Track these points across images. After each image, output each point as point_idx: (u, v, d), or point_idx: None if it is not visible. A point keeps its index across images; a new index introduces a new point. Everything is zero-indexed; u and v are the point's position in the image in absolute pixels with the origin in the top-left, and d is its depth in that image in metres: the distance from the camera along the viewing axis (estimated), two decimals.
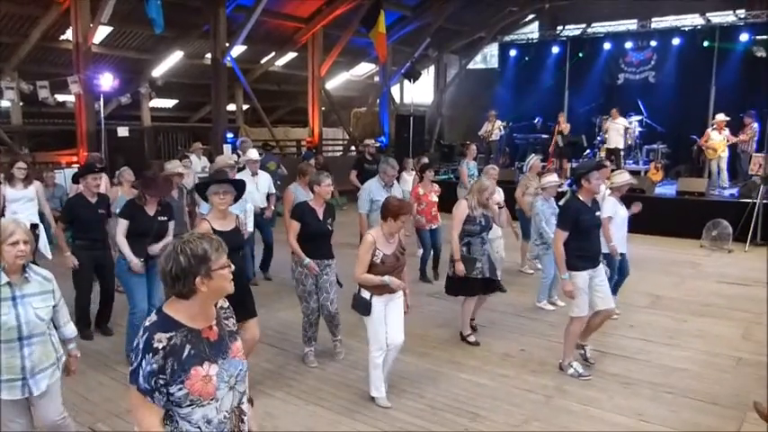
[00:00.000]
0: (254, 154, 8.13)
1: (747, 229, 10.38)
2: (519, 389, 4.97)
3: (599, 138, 14.76)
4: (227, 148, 13.91)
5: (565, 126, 14.85)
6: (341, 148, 19.78)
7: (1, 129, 13.07)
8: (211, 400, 2.10)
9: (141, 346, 2.03)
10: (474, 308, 6.02)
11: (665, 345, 5.94)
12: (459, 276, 5.73)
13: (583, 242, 5.00)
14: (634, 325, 6.49)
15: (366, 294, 4.51)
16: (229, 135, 15.55)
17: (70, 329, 3.50)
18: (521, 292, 7.58)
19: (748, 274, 8.56)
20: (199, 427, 2.10)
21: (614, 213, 6.17)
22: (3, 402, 3.14)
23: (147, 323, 2.10)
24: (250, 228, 6.37)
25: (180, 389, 2.04)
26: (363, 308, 4.51)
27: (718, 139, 12.25)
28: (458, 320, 6.16)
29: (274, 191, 8.07)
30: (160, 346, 2.02)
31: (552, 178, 7.33)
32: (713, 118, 13.21)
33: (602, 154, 14.77)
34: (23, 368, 3.15)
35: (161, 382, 2.02)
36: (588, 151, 15.10)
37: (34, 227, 6.62)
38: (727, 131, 12.31)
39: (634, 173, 13.75)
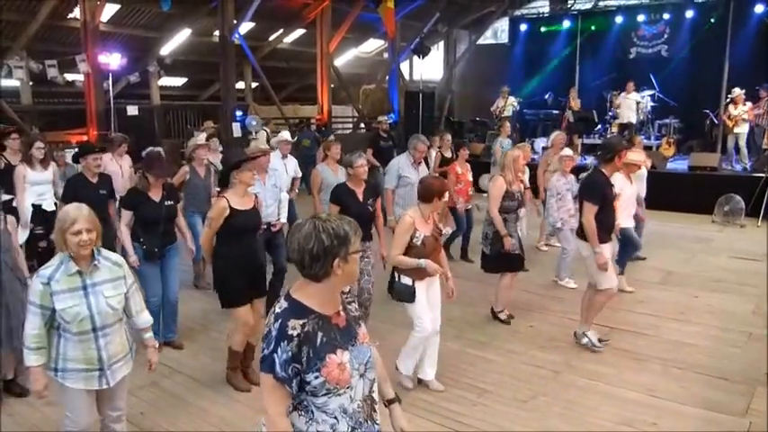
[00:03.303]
0: (286, 135, 7.80)
1: (760, 204, 10.28)
2: (527, 364, 4.98)
3: (610, 113, 14.60)
4: (236, 126, 13.88)
5: (575, 102, 14.70)
6: (350, 125, 19.69)
7: (11, 108, 13.09)
8: (347, 388, 2.04)
9: (275, 333, 1.96)
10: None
11: (675, 320, 5.93)
12: (500, 253, 5.67)
13: (605, 215, 5.04)
14: (644, 300, 6.47)
15: (408, 281, 4.30)
16: (239, 113, 15.52)
17: (144, 318, 3.33)
18: (530, 269, 7.54)
19: (760, 249, 8.46)
20: (336, 417, 2.03)
21: (621, 190, 6.11)
22: (76, 392, 3.07)
23: (277, 309, 2.03)
24: (283, 218, 6.14)
25: (317, 377, 1.97)
26: (408, 295, 4.31)
27: (735, 113, 12.00)
28: (467, 298, 6.17)
29: (300, 174, 7.82)
30: (295, 333, 1.95)
31: (567, 151, 7.27)
32: (727, 92, 12.99)
33: (614, 129, 14.64)
34: (100, 359, 3.04)
35: (296, 370, 1.95)
36: (599, 126, 14.95)
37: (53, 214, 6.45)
38: (748, 105, 11.92)
39: (646, 148, 13.64)
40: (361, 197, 5.16)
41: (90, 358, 3.02)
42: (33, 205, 6.52)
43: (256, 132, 13.32)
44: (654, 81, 14.59)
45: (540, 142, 13.65)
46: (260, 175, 5.53)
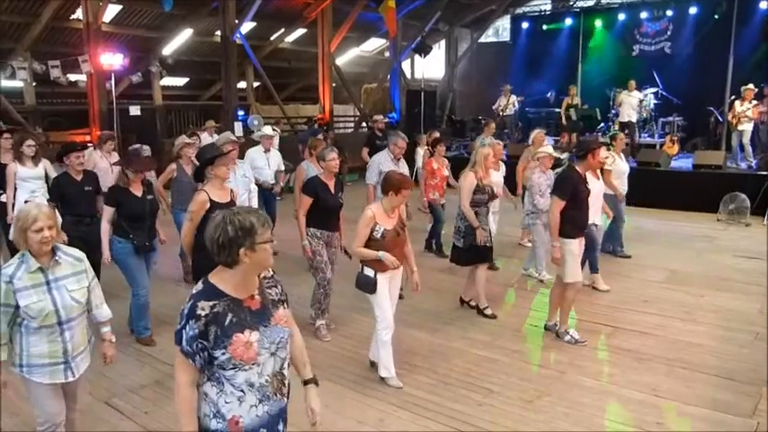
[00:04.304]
0: (268, 130, 8.19)
1: (766, 203, 10.22)
2: (532, 364, 4.96)
3: (613, 111, 14.56)
4: (237, 125, 13.88)
5: (576, 100, 14.66)
6: (352, 124, 19.67)
7: (15, 109, 13.10)
8: (253, 364, 2.23)
9: (186, 311, 2.19)
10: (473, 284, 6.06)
11: (680, 320, 5.90)
12: (471, 245, 5.81)
13: (577, 211, 5.18)
14: (649, 300, 6.44)
15: (370, 272, 4.42)
16: (240, 113, 15.52)
17: (105, 311, 3.37)
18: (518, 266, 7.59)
19: (766, 248, 8.43)
20: (242, 390, 2.23)
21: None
22: (42, 387, 3.11)
23: (193, 291, 2.25)
24: (254, 207, 6.37)
25: (223, 353, 2.18)
26: (369, 286, 4.44)
27: (740, 110, 11.91)
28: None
29: (284, 168, 8.11)
30: (203, 314, 2.16)
31: (546, 148, 7.33)
32: (732, 89, 12.93)
33: (616, 127, 14.59)
34: (65, 351, 3.10)
35: (201, 346, 2.17)
36: (602, 125, 14.92)
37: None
38: (753, 103, 11.82)
39: (649, 146, 13.67)
40: (332, 190, 5.40)
41: (54, 352, 3.08)
42: (26, 202, 6.59)
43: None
44: (657, 78, 14.55)
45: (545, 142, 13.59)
46: (231, 165, 5.77)
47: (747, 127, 11.74)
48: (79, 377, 3.23)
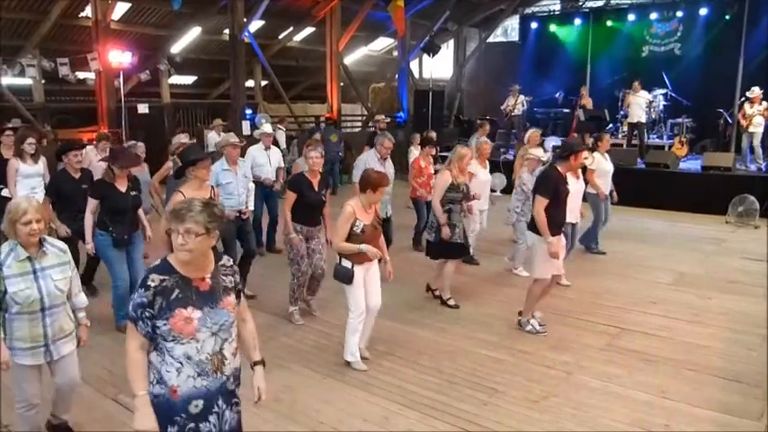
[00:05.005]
0: (267, 128, 8.29)
1: None
2: (538, 365, 4.94)
3: (622, 112, 14.48)
4: (245, 124, 13.91)
5: (587, 100, 14.59)
6: (360, 123, 19.66)
7: (24, 106, 13.17)
8: (191, 339, 2.46)
9: (140, 282, 2.50)
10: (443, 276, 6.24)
11: (688, 322, 5.86)
12: (441, 241, 6.04)
13: (555, 210, 5.30)
14: (657, 302, 6.40)
15: (348, 264, 4.65)
16: (248, 111, 15.53)
17: (82, 299, 3.60)
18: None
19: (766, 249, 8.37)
20: (181, 362, 2.47)
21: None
22: (23, 368, 3.32)
23: (152, 265, 2.56)
24: (251, 206, 6.52)
25: (164, 324, 2.44)
26: (346, 277, 4.66)
27: (750, 112, 11.81)
28: (474, 296, 6.19)
29: (284, 165, 8.23)
30: (152, 285, 2.44)
31: (536, 152, 7.49)
32: (742, 90, 12.83)
33: (625, 128, 14.52)
34: (45, 335, 3.32)
35: (147, 314, 2.43)
36: (611, 125, 14.84)
37: None
38: (764, 105, 11.73)
39: (658, 147, 13.60)
40: (316, 187, 5.66)
41: (36, 336, 3.30)
42: None
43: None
44: (666, 80, 14.46)
45: (551, 141, 13.55)
46: (232, 166, 6.21)
47: (758, 129, 11.64)
48: (65, 357, 3.44)
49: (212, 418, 2.54)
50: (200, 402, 2.50)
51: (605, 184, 7.87)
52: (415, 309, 6.17)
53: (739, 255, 8.31)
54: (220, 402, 2.57)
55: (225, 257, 2.72)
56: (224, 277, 2.62)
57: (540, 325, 5.56)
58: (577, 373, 4.77)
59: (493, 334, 5.56)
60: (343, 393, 4.46)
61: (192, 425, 2.50)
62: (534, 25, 18.58)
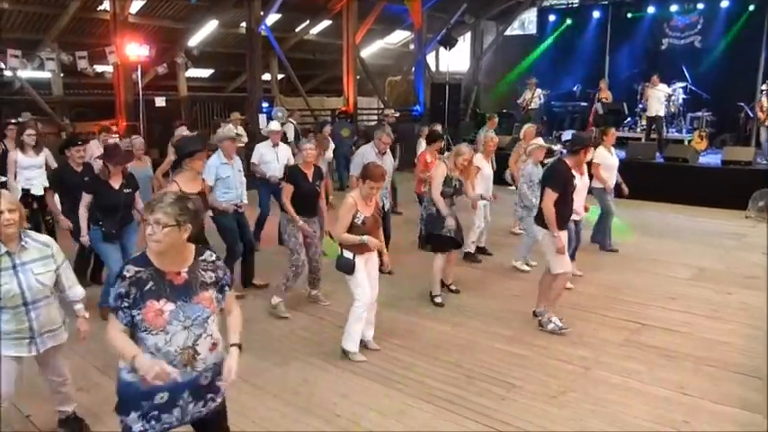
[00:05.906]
0: (275, 125, 8.26)
1: None
2: (556, 360, 4.91)
3: (640, 105, 14.32)
4: (261, 117, 13.94)
5: (607, 94, 14.44)
6: (375, 117, 19.63)
7: (43, 99, 13.30)
8: (161, 331, 2.51)
9: (119, 273, 2.55)
10: (444, 268, 6.26)
11: (707, 318, 5.80)
12: (428, 234, 6.10)
13: (563, 205, 5.28)
14: (676, 297, 6.34)
15: (349, 255, 4.74)
16: (265, 104, 15.57)
17: (77, 291, 3.59)
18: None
19: None
20: (151, 353, 2.51)
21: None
22: (6, 358, 3.30)
23: (131, 257, 2.68)
24: (245, 199, 6.65)
25: (137, 314, 2.50)
26: (349, 267, 4.75)
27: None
28: (489, 290, 6.19)
29: (292, 162, 8.14)
30: (128, 275, 2.51)
31: (537, 141, 7.44)
32: (762, 84, 12.64)
33: (643, 122, 14.36)
34: (31, 329, 3.32)
35: (125, 304, 2.50)
36: (629, 119, 14.68)
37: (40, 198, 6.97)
38: None
39: (677, 141, 13.44)
40: (310, 178, 5.82)
41: (21, 329, 3.30)
42: (22, 189, 7.01)
43: (283, 124, 13.38)
44: (686, 73, 14.28)
45: (568, 135, 13.44)
46: (229, 160, 6.34)
47: None
48: (51, 350, 3.45)
49: (176, 412, 2.60)
50: (166, 395, 2.56)
51: (611, 178, 7.76)
52: (431, 302, 6.16)
53: (759, 250, 8.18)
54: (186, 396, 2.60)
55: (207, 253, 2.73)
56: (203, 272, 2.64)
57: (560, 322, 5.47)
58: (596, 369, 4.74)
59: (509, 328, 5.55)
60: (361, 387, 4.47)
61: (155, 413, 2.57)
62: (552, 18, 18.40)
